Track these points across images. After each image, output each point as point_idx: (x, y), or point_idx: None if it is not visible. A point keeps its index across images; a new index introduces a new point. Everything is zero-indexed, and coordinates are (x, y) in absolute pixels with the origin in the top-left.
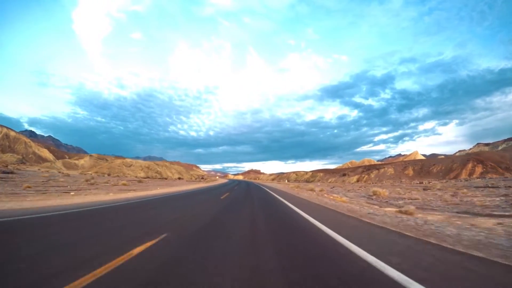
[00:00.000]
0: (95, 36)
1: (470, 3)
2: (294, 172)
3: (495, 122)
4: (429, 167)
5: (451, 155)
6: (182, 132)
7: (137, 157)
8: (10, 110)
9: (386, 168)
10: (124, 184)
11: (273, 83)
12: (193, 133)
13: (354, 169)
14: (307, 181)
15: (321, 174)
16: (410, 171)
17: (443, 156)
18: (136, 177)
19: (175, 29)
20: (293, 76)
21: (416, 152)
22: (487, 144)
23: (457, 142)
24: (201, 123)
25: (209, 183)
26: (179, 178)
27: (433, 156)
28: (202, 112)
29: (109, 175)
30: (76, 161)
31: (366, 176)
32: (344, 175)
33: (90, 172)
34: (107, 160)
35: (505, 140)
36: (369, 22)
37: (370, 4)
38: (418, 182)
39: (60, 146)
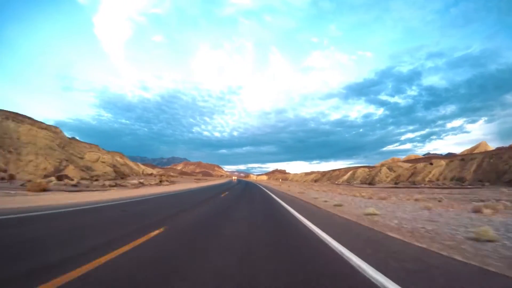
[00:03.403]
0: (117, 39)
1: None
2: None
3: None
4: None
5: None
6: (206, 133)
7: (162, 158)
8: (36, 114)
9: None
10: None
11: (297, 82)
12: (217, 134)
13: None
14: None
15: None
16: None
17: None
18: None
19: (196, 31)
20: (317, 75)
21: (485, 143)
22: None
23: (485, 140)
24: (225, 124)
25: (170, 188)
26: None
27: None
28: (226, 112)
29: None
30: None
31: None
32: None
33: None
34: None
35: None
36: (394, 17)
37: None
38: None
39: None
